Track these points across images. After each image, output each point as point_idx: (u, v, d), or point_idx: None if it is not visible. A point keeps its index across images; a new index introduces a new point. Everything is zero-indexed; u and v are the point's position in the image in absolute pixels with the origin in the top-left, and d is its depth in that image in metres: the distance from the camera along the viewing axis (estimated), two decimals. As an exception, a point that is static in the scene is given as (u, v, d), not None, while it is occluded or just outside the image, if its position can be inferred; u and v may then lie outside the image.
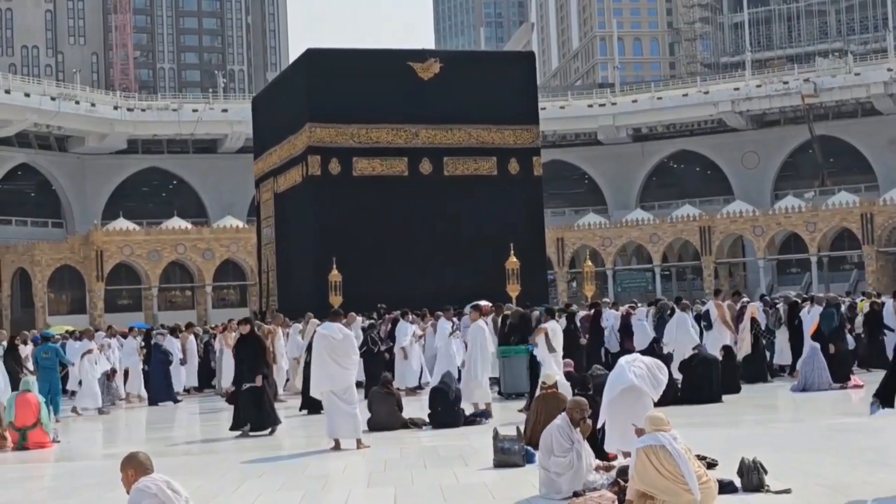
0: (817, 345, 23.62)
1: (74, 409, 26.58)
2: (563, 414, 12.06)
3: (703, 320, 25.68)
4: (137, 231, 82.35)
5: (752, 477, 11.42)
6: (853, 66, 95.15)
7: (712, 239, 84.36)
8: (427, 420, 19.30)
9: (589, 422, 12.03)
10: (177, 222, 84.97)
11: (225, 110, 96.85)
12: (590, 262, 53.31)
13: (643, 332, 27.84)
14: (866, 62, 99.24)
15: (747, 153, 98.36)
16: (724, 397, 21.42)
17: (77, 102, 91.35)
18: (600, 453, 12.87)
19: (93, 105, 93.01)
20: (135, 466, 8.21)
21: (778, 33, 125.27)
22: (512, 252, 44.75)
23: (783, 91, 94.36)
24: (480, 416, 19.44)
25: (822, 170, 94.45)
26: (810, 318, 25.89)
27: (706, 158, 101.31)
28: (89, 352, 26.73)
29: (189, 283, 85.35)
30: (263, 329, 25.65)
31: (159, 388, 28.99)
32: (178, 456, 18.05)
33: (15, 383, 20.79)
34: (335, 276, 43.74)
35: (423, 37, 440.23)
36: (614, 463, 12.33)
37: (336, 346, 17.08)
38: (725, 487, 11.09)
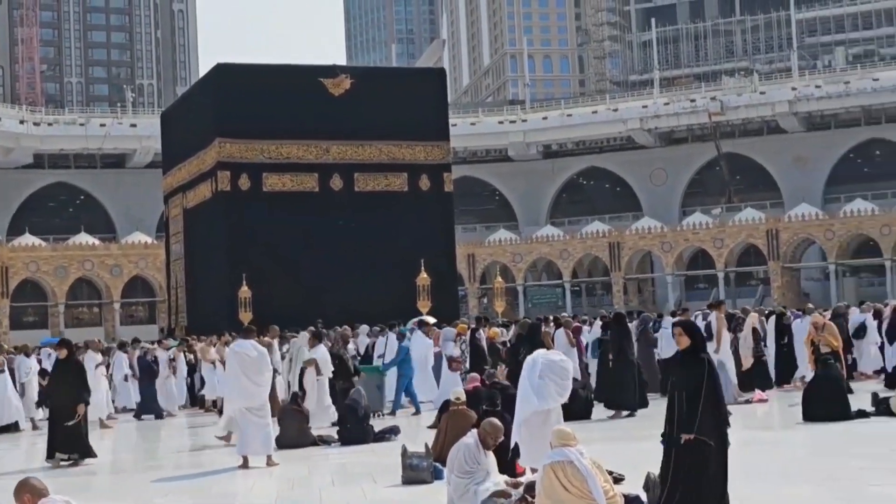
0: (724, 359, 23.90)
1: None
2: (475, 433, 12.01)
3: (705, 332, 25.76)
4: (44, 247, 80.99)
5: (657, 491, 11.51)
6: (759, 85, 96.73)
7: (621, 255, 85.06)
8: (336, 437, 19.22)
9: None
10: (84, 238, 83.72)
11: (134, 125, 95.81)
12: (500, 278, 53.70)
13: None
14: (771, 81, 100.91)
15: (655, 170, 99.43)
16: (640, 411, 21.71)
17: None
18: (510, 468, 12.89)
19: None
20: (29, 491, 8.05)
21: (685, 52, 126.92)
22: (423, 268, 44.86)
23: (690, 109, 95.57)
24: (390, 432, 19.39)
25: (729, 187, 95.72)
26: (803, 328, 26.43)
27: (615, 175, 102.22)
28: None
29: (97, 300, 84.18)
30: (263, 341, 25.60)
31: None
32: (82, 476, 17.75)
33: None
34: (245, 292, 43.51)
35: (334, 53, 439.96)
36: (521, 479, 12.34)
37: (250, 363, 16.99)
38: (632, 502, 11.16)
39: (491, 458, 11.89)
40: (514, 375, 24.37)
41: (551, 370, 13.37)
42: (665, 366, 26.40)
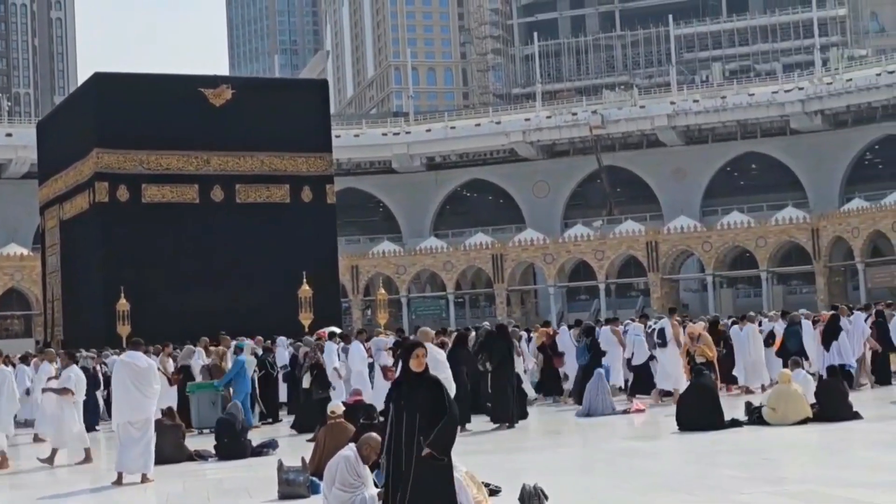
0: (602, 370, 24.19)
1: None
2: (353, 446, 11.97)
3: (658, 337, 25.86)
4: (-86, 259, 78.94)
5: (533, 502, 11.58)
6: (638, 99, 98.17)
7: (504, 266, 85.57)
8: (213, 451, 18.99)
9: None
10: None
11: (9, 134, 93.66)
12: (383, 290, 53.64)
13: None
14: (651, 95, 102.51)
15: (538, 182, 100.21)
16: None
17: None
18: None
19: None
20: None
21: (567, 66, 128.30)
22: (305, 280, 44.66)
23: (572, 122, 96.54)
24: (268, 446, 19.21)
25: (610, 199, 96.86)
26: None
27: (498, 187, 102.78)
28: None
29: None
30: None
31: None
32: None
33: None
34: (122, 304, 42.93)
35: (217, 63, 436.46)
36: None
37: (139, 374, 16.73)
38: (507, 514, 11.22)
39: (368, 471, 11.85)
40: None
41: None
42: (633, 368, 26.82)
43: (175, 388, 25.18)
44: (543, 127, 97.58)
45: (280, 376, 27.82)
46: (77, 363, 21.49)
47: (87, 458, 19.40)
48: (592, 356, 25.68)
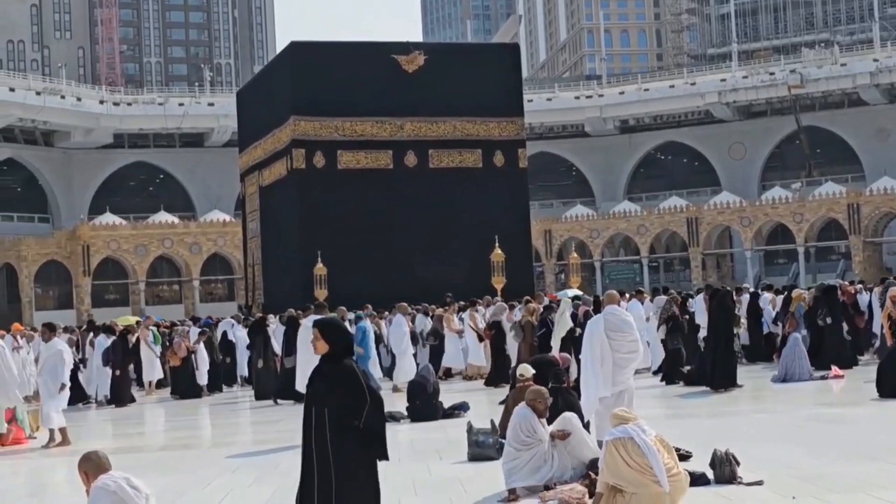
0: (798, 335, 23.63)
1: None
2: (524, 404, 11.99)
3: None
4: (124, 225, 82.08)
5: (725, 469, 11.39)
6: (839, 57, 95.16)
7: (699, 230, 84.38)
8: (405, 413, 19.24)
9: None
10: (164, 216, 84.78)
11: (211, 104, 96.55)
12: (575, 254, 53.45)
13: None
14: (852, 53, 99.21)
15: (734, 144, 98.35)
16: (702, 389, 21.51)
17: (62, 97, 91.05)
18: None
19: (78, 99, 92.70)
20: (91, 466, 8.13)
21: (764, 24, 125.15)
22: (497, 244, 44.76)
23: (770, 82, 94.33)
24: (459, 408, 19.35)
25: (809, 160, 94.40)
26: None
27: (693, 149, 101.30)
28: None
29: (176, 278, 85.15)
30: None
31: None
32: (154, 452, 17.97)
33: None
34: (320, 269, 43.75)
35: (410, 30, 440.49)
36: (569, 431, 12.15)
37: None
38: (697, 479, 11.05)
39: (542, 427, 11.82)
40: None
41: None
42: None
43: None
44: (740, 87, 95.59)
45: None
46: (57, 335, 20.39)
47: (64, 440, 18.35)
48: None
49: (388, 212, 45.29)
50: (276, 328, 28.33)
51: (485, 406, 20.31)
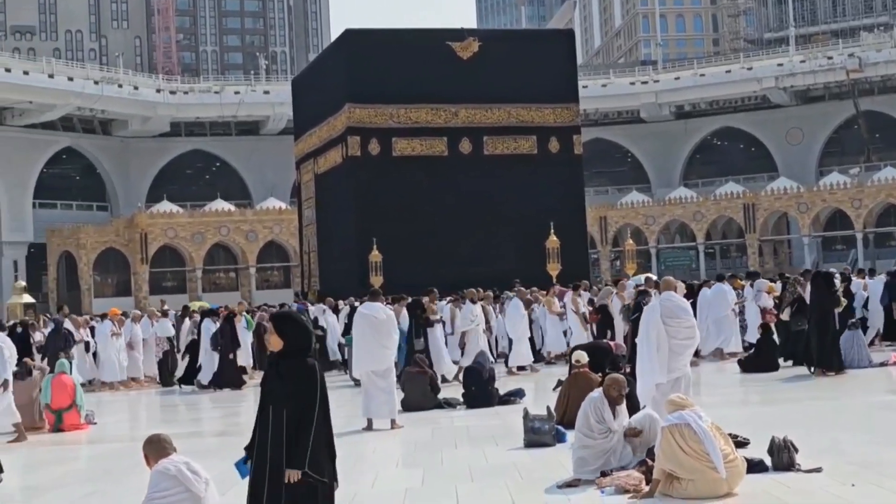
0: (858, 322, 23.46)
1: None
2: (600, 389, 11.97)
3: None
4: (181, 213, 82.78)
5: (783, 456, 11.30)
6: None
7: (756, 216, 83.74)
8: (461, 400, 19.27)
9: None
10: (220, 204, 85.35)
11: (267, 92, 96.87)
12: (631, 241, 53.27)
13: None
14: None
15: (791, 129, 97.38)
16: (762, 375, 21.38)
17: (120, 86, 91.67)
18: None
19: (136, 88, 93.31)
20: (153, 449, 8.23)
21: (822, 8, 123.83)
22: (552, 231, 44.68)
23: (827, 66, 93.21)
24: (515, 395, 19.35)
25: (868, 145, 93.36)
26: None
27: (750, 135, 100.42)
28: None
29: (233, 265, 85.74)
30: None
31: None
32: (209, 437, 18.11)
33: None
34: (375, 256, 43.90)
35: (464, 16, 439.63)
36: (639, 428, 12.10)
37: (378, 326, 17.10)
38: (755, 466, 10.99)
39: (621, 414, 11.76)
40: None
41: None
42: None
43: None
44: (797, 72, 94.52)
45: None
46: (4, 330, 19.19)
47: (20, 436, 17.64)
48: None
49: (442, 198, 45.32)
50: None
51: (540, 392, 20.29)
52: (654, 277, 29.85)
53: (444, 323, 25.88)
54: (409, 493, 11.39)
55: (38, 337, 26.71)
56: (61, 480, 14.04)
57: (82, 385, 21.63)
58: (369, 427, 16.68)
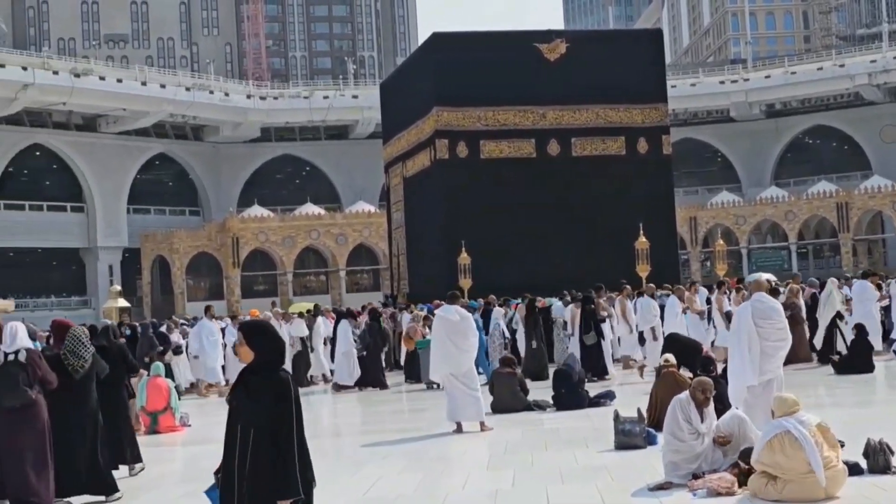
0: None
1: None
2: (687, 392, 11.89)
3: None
4: (272, 217, 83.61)
5: (879, 458, 11.15)
6: None
7: (850, 215, 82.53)
8: (551, 402, 19.23)
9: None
10: (310, 208, 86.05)
11: (355, 96, 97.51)
12: (721, 241, 52.73)
13: None
14: None
15: (885, 126, 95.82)
16: (855, 377, 21.08)
17: (211, 92, 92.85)
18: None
19: (226, 94, 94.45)
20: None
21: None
22: (641, 232, 44.38)
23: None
24: (605, 397, 19.28)
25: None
26: None
27: (842, 133, 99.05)
28: None
29: (323, 268, 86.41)
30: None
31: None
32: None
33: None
34: (464, 258, 43.91)
35: (552, 17, 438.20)
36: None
37: (454, 328, 17.11)
38: (851, 469, 10.83)
39: (709, 417, 11.64)
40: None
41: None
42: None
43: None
44: (891, 68, 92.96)
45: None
46: None
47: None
48: None
49: (531, 200, 45.20)
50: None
51: (630, 395, 20.18)
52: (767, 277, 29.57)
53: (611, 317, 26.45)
54: (499, 495, 11.42)
55: (174, 338, 27.21)
56: (158, 481, 14.26)
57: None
58: (459, 430, 16.71)
